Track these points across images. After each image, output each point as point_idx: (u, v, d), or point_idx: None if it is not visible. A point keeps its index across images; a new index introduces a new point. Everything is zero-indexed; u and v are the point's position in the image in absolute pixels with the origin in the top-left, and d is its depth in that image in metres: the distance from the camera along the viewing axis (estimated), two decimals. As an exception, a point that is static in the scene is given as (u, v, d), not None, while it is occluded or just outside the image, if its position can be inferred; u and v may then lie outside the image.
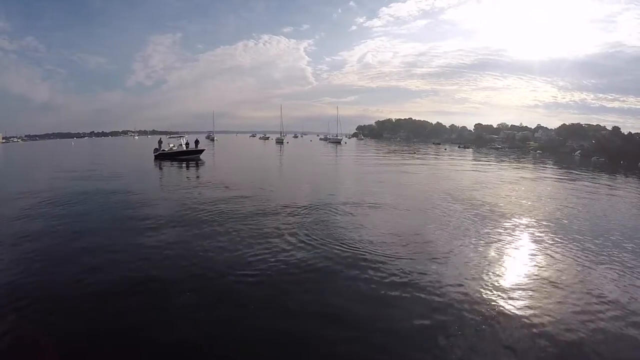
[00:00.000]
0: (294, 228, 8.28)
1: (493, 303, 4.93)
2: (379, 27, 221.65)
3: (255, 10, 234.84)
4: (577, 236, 8.40)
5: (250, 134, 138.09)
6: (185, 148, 28.45)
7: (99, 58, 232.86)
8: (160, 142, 28.71)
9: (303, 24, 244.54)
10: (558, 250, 7.34)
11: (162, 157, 26.85)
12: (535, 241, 7.99)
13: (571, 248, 7.48)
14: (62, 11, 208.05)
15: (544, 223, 9.64)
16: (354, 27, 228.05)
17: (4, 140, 79.40)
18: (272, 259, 6.37)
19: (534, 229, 9.01)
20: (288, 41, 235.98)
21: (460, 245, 7.41)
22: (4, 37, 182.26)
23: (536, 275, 6.04)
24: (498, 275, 5.91)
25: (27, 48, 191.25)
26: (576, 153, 65.67)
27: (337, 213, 9.94)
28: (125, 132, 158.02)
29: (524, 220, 9.88)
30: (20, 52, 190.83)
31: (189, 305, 4.77)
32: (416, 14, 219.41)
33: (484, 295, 5.14)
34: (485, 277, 5.79)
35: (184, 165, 23.49)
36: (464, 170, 26.76)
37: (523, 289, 5.46)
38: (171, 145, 28.86)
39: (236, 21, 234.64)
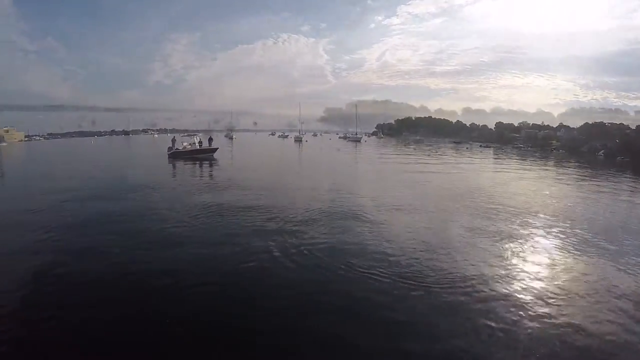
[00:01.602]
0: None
1: None
2: (397, 25, 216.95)
3: (274, 8, 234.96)
4: None
5: (270, 132, 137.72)
6: (198, 147, 28.09)
7: (118, 58, 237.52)
8: (174, 140, 27.99)
9: (321, 23, 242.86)
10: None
11: (175, 156, 26.30)
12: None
13: None
14: (81, 11, 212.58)
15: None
16: (372, 25, 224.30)
17: (26, 139, 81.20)
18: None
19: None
20: (307, 40, 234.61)
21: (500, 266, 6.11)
22: (24, 37, 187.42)
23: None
24: None
25: (47, 48, 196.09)
26: (599, 153, 62.09)
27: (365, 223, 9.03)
28: (145, 131, 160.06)
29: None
30: (40, 52, 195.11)
31: None
32: (434, 11, 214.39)
33: None
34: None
35: (197, 164, 22.40)
36: (489, 173, 24.33)
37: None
38: (185, 143, 28.48)
39: (255, 20, 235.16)
